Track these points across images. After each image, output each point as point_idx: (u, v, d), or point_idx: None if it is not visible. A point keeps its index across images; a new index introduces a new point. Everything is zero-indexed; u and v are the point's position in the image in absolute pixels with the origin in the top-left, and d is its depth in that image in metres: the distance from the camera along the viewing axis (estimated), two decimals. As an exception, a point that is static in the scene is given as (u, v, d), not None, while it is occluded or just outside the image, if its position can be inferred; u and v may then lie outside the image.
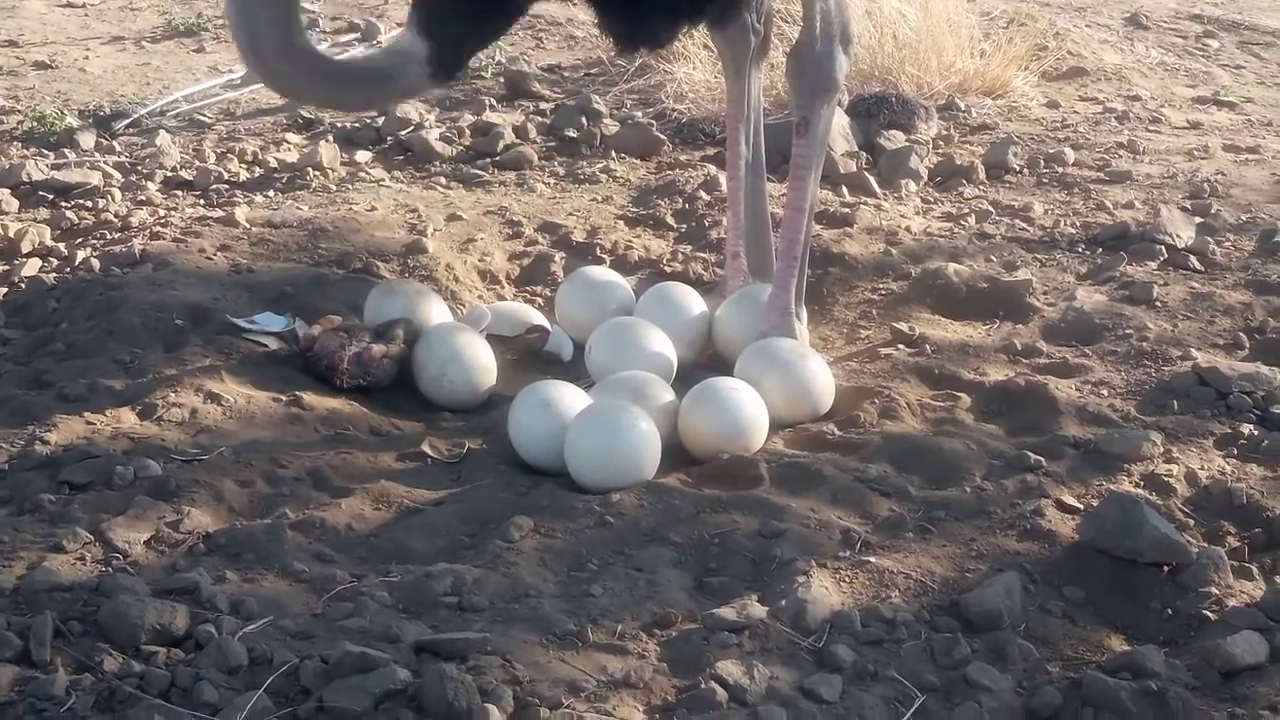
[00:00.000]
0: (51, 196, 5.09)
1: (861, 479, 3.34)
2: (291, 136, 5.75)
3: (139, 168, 5.37)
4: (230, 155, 5.47)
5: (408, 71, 3.38)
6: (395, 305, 3.96)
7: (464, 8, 3.39)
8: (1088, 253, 4.64)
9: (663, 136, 5.63)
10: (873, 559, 3.02)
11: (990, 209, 5.00)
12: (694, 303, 4.12)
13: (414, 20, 3.37)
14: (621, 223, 4.87)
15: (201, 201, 5.06)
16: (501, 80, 6.37)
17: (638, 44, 3.78)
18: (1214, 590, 2.95)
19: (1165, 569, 2.99)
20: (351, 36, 7.11)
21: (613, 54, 6.00)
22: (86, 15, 7.48)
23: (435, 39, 3.35)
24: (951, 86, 6.06)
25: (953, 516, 3.20)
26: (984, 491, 3.30)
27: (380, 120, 5.83)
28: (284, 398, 3.64)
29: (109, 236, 4.67)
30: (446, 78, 3.44)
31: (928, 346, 4.03)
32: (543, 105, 6.10)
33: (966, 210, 5.01)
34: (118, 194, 5.08)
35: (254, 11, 3.24)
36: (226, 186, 5.18)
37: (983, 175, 5.33)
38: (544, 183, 5.28)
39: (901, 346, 4.06)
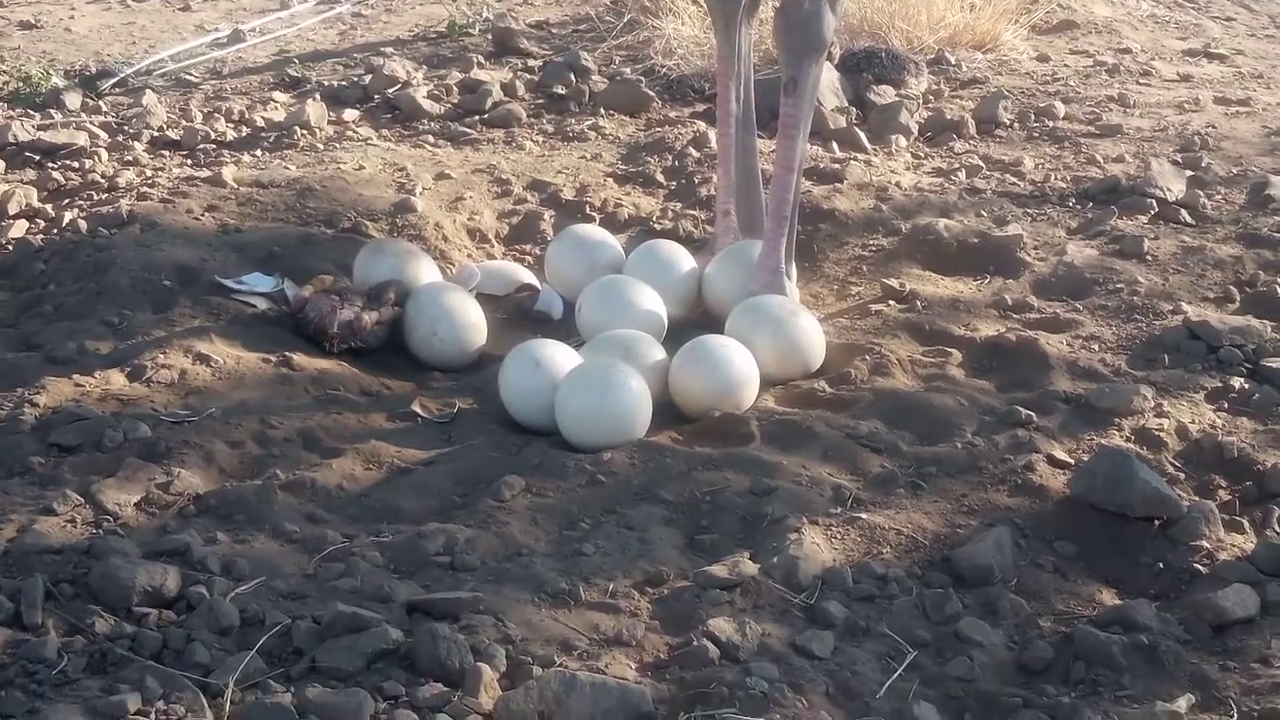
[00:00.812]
0: (38, 157, 5.06)
1: (852, 436, 3.33)
2: (278, 95, 5.72)
3: (125, 128, 5.34)
4: (217, 115, 5.44)
5: None
6: (384, 265, 3.95)
7: None
8: (1078, 207, 4.63)
9: (651, 93, 5.60)
10: (864, 515, 3.02)
11: (981, 164, 4.99)
12: (684, 260, 4.10)
13: None
14: (611, 180, 4.85)
15: (189, 161, 5.03)
16: (489, 37, 6.33)
17: None
18: (1205, 544, 2.96)
19: (1156, 523, 3.00)
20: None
21: (601, 9, 5.96)
22: (70, -26, 7.43)
23: None
24: (941, 41, 6.04)
25: (944, 472, 3.20)
26: (975, 447, 3.30)
27: (367, 78, 5.79)
28: (273, 358, 3.63)
29: (96, 197, 4.64)
30: None
31: (918, 302, 4.02)
32: (531, 62, 6.07)
33: (957, 165, 4.99)
34: (104, 154, 5.05)
35: None
36: (213, 146, 5.15)
37: (973, 130, 5.31)
38: (533, 140, 5.26)
39: (892, 303, 4.05)
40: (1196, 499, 3.12)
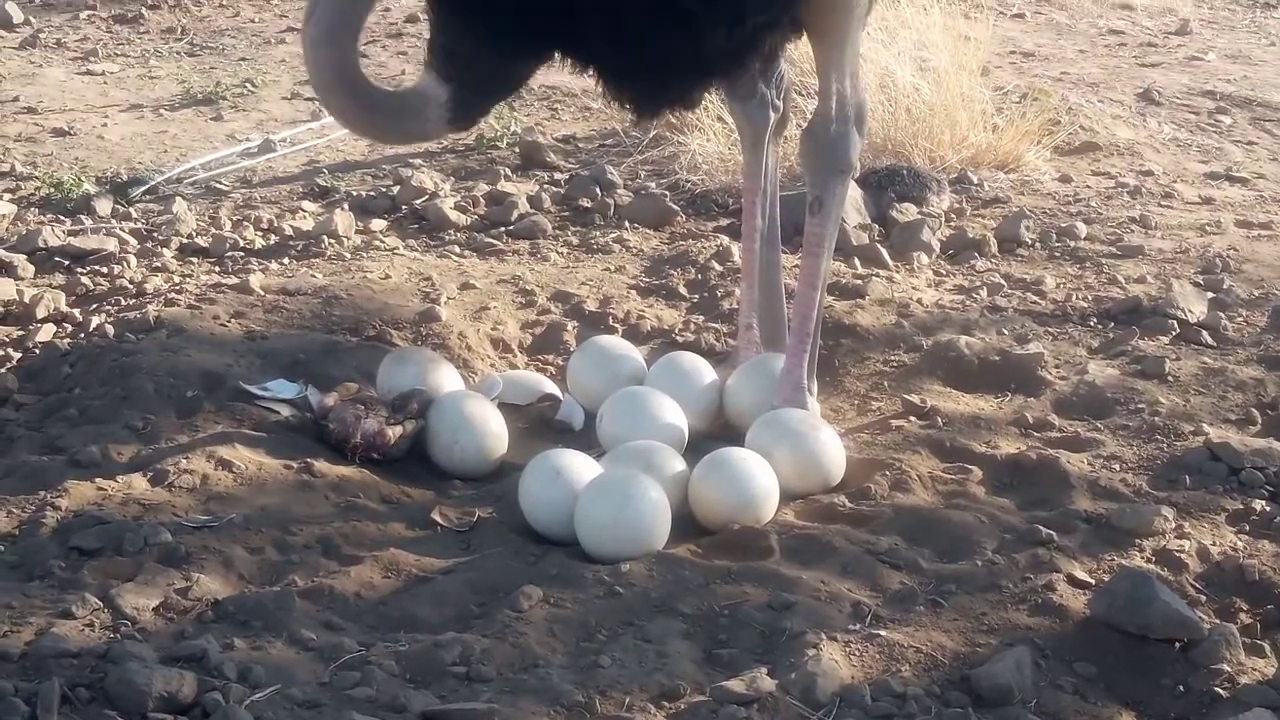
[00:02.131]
0: (67, 262, 5.13)
1: (872, 551, 3.33)
2: (307, 204, 5.79)
3: (155, 234, 5.41)
4: (246, 223, 5.51)
5: (428, 113, 3.40)
6: (408, 373, 3.98)
7: (478, 56, 3.38)
8: (1100, 326, 4.65)
9: (676, 207, 5.66)
10: (883, 632, 3.01)
11: (1002, 282, 5.02)
12: (705, 372, 4.13)
13: (432, 65, 3.39)
14: (634, 292, 4.89)
15: (216, 268, 5.09)
16: (516, 150, 6.42)
17: (658, 106, 3.80)
18: (1226, 667, 2.94)
19: (1177, 645, 2.98)
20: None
21: (628, 125, 6.04)
22: (105, 83, 7.57)
23: (453, 84, 3.37)
24: (964, 160, 6.10)
25: (964, 590, 3.19)
26: (995, 565, 3.29)
27: (396, 189, 5.87)
28: (295, 465, 3.65)
29: (124, 302, 4.70)
30: (466, 122, 3.46)
31: (939, 419, 4.03)
32: (557, 175, 6.14)
33: (978, 283, 5.02)
34: (133, 260, 5.12)
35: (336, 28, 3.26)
36: (242, 254, 5.21)
37: (995, 248, 5.35)
38: (557, 252, 5.31)
39: (913, 418, 4.06)
40: (1217, 621, 3.11)
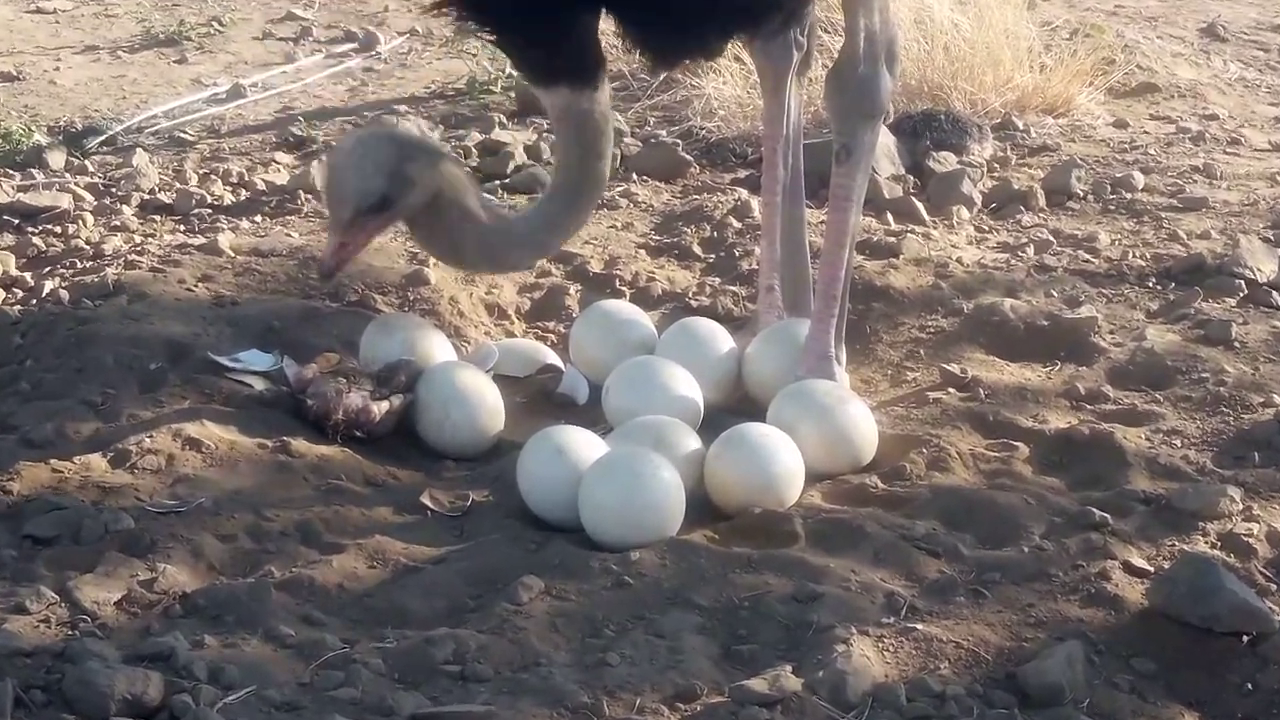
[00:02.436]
0: (17, 221, 5.12)
1: (907, 537, 3.33)
2: (281, 156, 5.79)
3: (113, 190, 5.41)
4: (214, 176, 5.51)
5: (580, 108, 3.67)
6: (394, 342, 3.98)
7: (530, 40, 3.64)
8: (1159, 287, 4.64)
9: (689, 157, 5.65)
10: (920, 626, 3.01)
11: (1051, 238, 5.00)
12: (722, 340, 4.13)
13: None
14: (643, 252, 4.88)
15: (182, 227, 5.09)
16: (512, 95, 6.40)
17: (679, 58, 3.85)
18: (1299, 663, 2.94)
19: (1245, 639, 2.98)
20: (349, 46, 7.17)
21: (638, 68, 6.03)
22: (58, 22, 7.55)
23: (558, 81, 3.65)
24: (1008, 103, 6.07)
25: (1009, 579, 3.19)
26: (1043, 551, 3.29)
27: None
28: (270, 444, 3.65)
29: (79, 265, 4.70)
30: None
31: (981, 390, 4.03)
32: (557, 123, 6.12)
33: (1025, 240, 5.01)
34: (89, 219, 5.12)
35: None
36: (209, 211, 5.21)
37: (1042, 201, 5.33)
38: (558, 208, 5.29)
39: (952, 390, 4.06)
40: (1290, 612, 3.11)
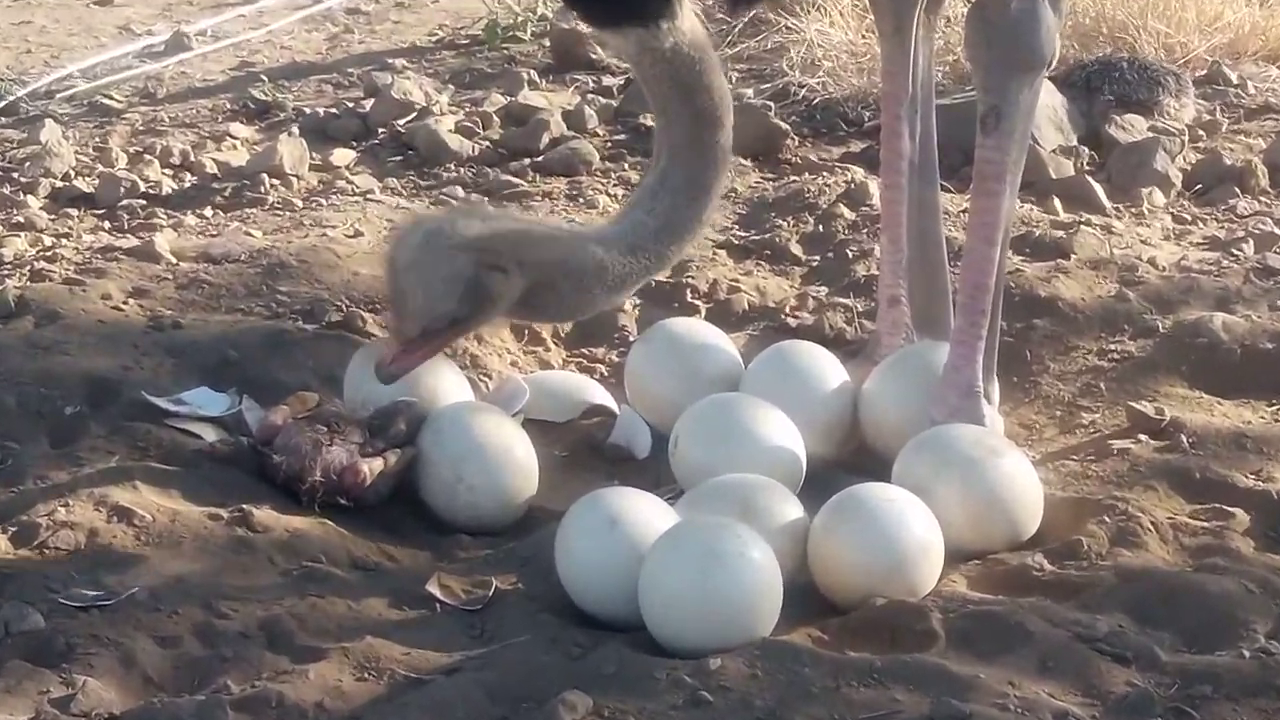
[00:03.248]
0: (-112, 217, 5.18)
1: (1085, 637, 3.31)
2: (238, 128, 5.82)
3: (15, 174, 5.45)
4: (148, 156, 5.54)
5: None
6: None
7: None
8: None
9: (784, 125, 5.65)
10: (1103, 759, 3.00)
11: (1277, 231, 4.98)
12: (831, 372, 4.12)
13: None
14: (723, 253, 4.88)
15: (107, 224, 5.12)
16: (545, 44, 6.42)
17: None
18: None
19: None
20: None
21: (714, 5, 6.04)
22: (-61, -46, 7.64)
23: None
24: (1217, 49, 6.05)
25: (1224, 695, 3.17)
26: (1270, 656, 3.27)
27: (368, 104, 5.89)
28: (225, 514, 3.66)
29: (-31, 277, 4.74)
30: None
31: (1184, 437, 4.00)
32: (605, 80, 6.15)
33: (1240, 233, 4.98)
34: (-16, 213, 5.17)
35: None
36: (143, 202, 5.24)
37: (1265, 180, 5.31)
38: (608, 194, 5.31)
39: (1144, 437, 4.04)
40: None
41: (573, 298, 3.88)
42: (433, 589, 3.56)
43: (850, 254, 4.84)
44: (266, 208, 5.18)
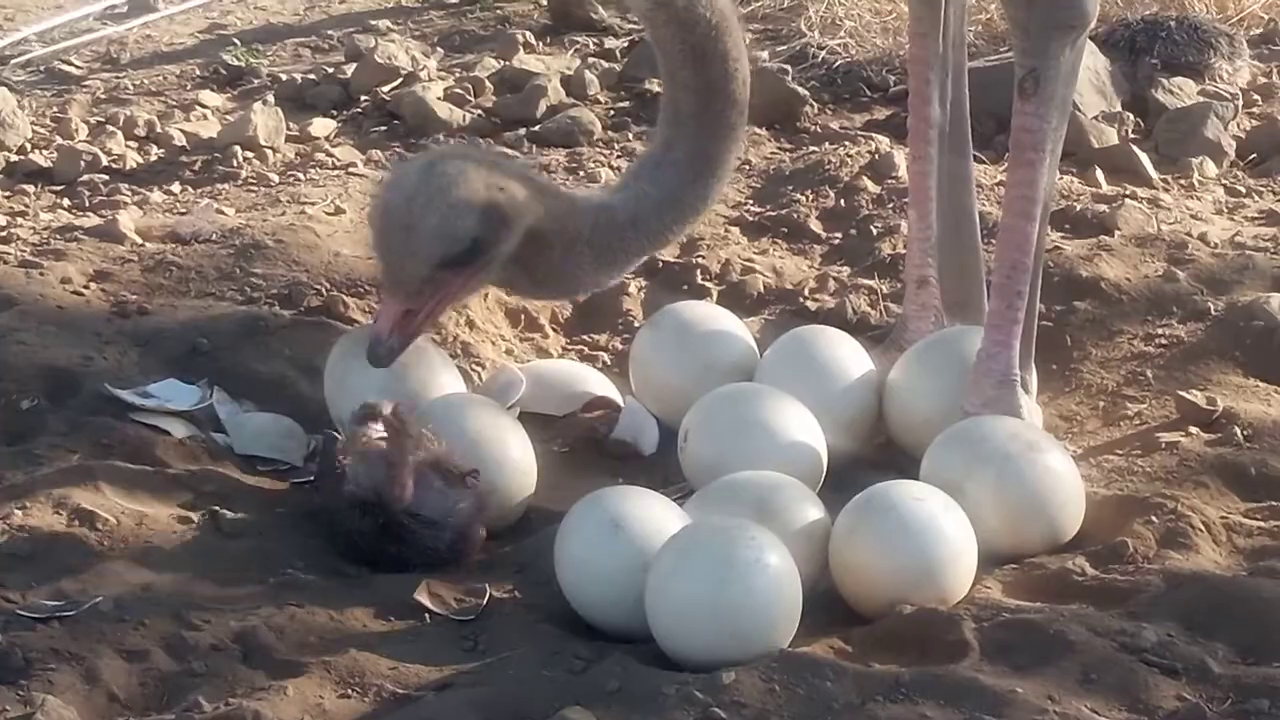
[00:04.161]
0: None
1: (1131, 647, 3.31)
2: (208, 96, 5.83)
3: (-35, 148, 5.46)
4: (111, 127, 5.54)
5: None
6: (374, 368, 3.98)
7: None
8: None
9: (803, 90, 5.65)
10: (1151, 780, 3.00)
11: (1340, 205, 4.99)
12: (854, 360, 4.12)
13: None
14: (736, 230, 4.88)
15: (66, 201, 5.13)
16: (543, 3, 6.42)
17: None
18: None
19: None
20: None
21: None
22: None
23: None
24: (1273, 6, 6.05)
25: (1282, 708, 3.18)
26: (1332, 668, 3.27)
27: (349, 69, 5.89)
28: (196, 517, 3.67)
29: (-81, 259, 4.75)
30: None
31: (1238, 430, 4.01)
32: (608, 43, 6.15)
33: (1302, 207, 4.99)
34: (-68, 190, 5.18)
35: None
36: (105, 177, 5.25)
37: (1327, 150, 5.32)
38: (611, 167, 5.31)
39: (1195, 430, 4.04)
40: None
41: (562, 265, 3.87)
42: (422, 598, 3.56)
43: (875, 231, 4.85)
44: (239, 183, 5.18)
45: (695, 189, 3.90)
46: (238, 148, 5.36)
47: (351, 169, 5.30)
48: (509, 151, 5.38)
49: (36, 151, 5.41)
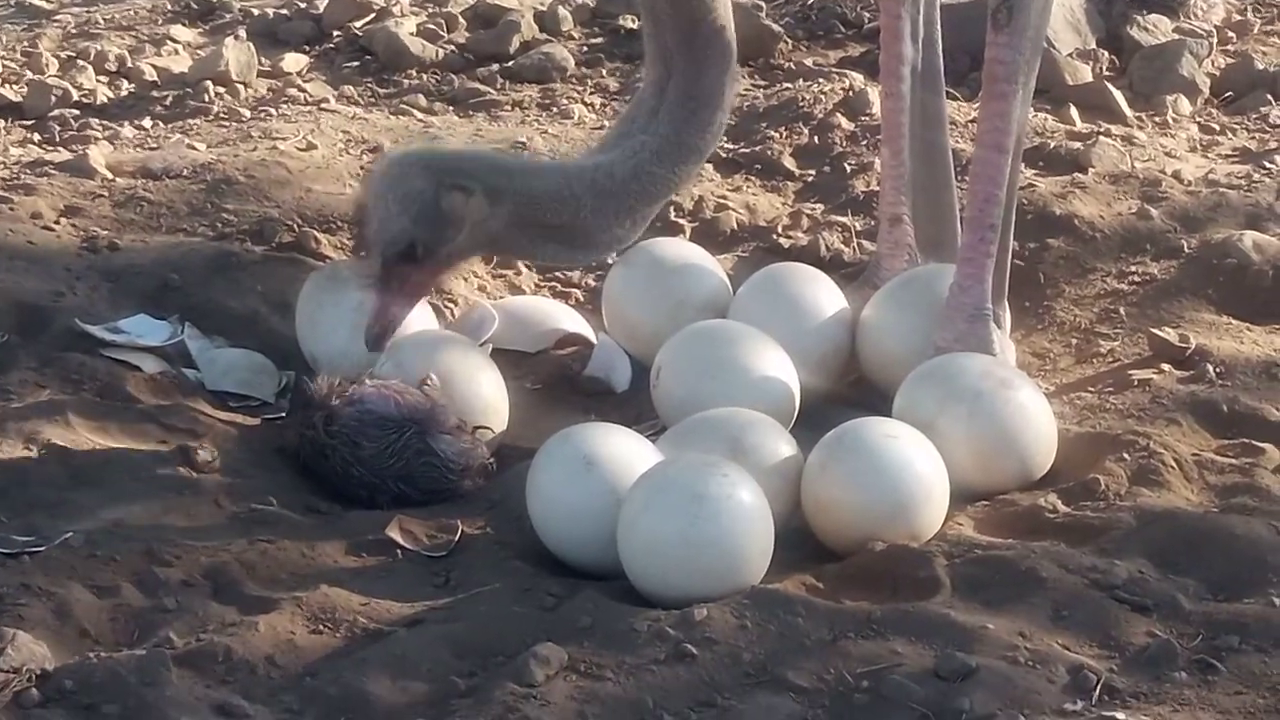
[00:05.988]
0: None
1: (1102, 584, 3.32)
2: (180, 31, 5.80)
3: (-66, 83, 5.44)
4: (82, 61, 5.52)
5: None
6: (345, 304, 3.98)
7: None
8: None
9: (776, 26, 5.63)
10: (1121, 716, 3.00)
11: (1313, 142, 4.99)
12: (827, 297, 4.12)
13: None
14: (709, 167, 4.87)
15: (36, 136, 5.11)
16: (516, -63, 6.41)
17: None
18: None
19: None
20: None
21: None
22: None
23: None
24: (1248, -59, 6.04)
25: (1252, 645, 3.17)
26: (1303, 605, 3.28)
27: (321, 4, 5.87)
28: (167, 452, 3.67)
29: (-113, 194, 4.74)
30: None
31: (1211, 367, 4.01)
32: (583, -23, 6.13)
33: (1273, 144, 4.98)
34: (-99, 126, 5.16)
35: None
36: (75, 112, 5.23)
37: (1300, 87, 5.31)
38: (584, 103, 5.29)
39: (1167, 367, 4.04)
40: None
41: (576, 234, 3.93)
42: (393, 534, 3.56)
43: (848, 168, 4.84)
44: (211, 118, 5.17)
45: (693, 126, 3.91)
46: (209, 83, 5.35)
47: (324, 105, 5.28)
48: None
49: (6, 86, 5.39)
